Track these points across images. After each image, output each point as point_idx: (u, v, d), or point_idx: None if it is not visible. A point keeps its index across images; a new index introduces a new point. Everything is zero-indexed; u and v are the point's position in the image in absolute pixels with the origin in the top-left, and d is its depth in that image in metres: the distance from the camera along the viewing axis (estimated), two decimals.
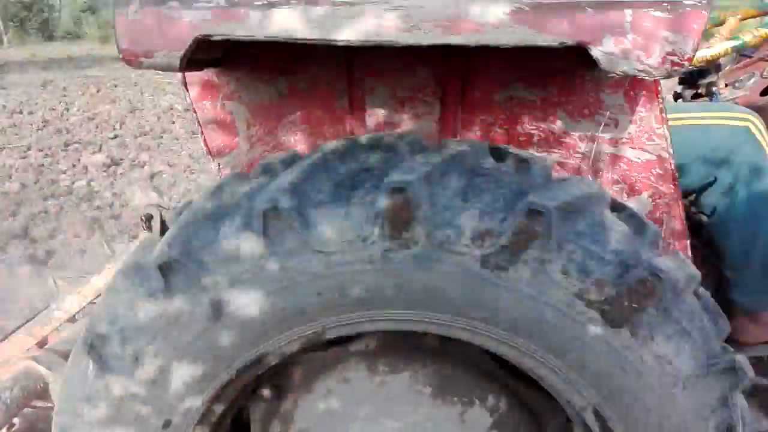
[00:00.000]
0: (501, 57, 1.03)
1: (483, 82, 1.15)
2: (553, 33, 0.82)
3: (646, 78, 0.93)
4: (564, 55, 0.92)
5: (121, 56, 0.92)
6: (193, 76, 1.17)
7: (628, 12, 0.82)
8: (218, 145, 1.22)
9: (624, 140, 1.18)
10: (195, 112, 1.20)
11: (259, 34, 0.88)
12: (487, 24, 0.82)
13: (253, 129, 1.21)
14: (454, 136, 1.19)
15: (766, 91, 1.82)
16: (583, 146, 1.15)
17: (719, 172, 1.52)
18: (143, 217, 1.17)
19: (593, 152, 1.12)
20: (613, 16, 0.82)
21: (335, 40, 0.86)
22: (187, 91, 1.18)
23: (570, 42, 0.83)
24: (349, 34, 0.85)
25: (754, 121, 1.61)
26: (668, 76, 0.91)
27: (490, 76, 1.14)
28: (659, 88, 1.15)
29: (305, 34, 0.86)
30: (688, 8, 0.82)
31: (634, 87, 1.16)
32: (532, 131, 1.18)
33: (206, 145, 1.22)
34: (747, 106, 1.67)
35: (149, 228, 1.10)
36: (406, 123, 1.20)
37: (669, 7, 0.82)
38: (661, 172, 1.19)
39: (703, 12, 0.82)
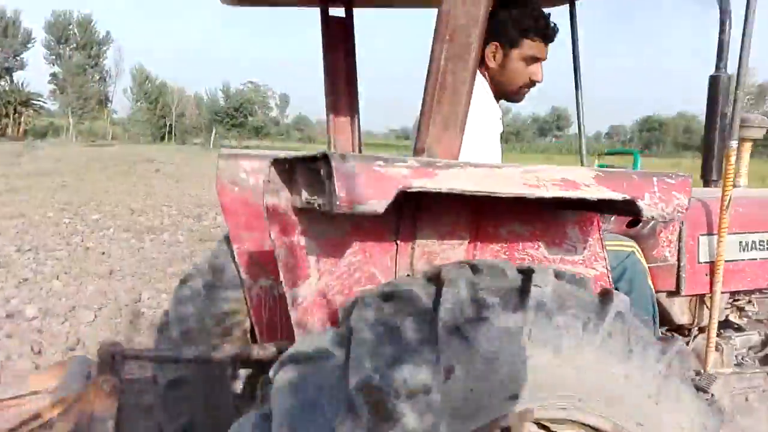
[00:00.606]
0: (509, 203, 1.25)
1: (495, 221, 1.52)
2: (618, 191, 1.27)
3: (662, 221, 1.58)
4: (553, 204, 1.30)
5: (337, 203, 1.08)
6: (273, 215, 1.35)
7: (654, 180, 1.31)
8: (293, 276, 1.38)
9: (580, 261, 1.58)
10: (274, 246, 1.36)
11: (445, 188, 1.14)
12: (583, 185, 1.24)
13: (321, 262, 1.41)
14: (473, 257, 1.50)
15: (631, 223, 2.23)
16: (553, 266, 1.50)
17: (618, 285, 1.90)
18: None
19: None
20: (647, 183, 1.30)
21: (495, 193, 1.17)
22: (270, 226, 1.36)
23: (627, 197, 1.26)
24: (502, 188, 1.18)
25: (634, 246, 2.10)
26: (672, 220, 1.47)
27: (500, 217, 1.52)
28: (600, 224, 1.60)
29: (475, 188, 1.16)
30: (683, 178, 1.33)
31: (585, 223, 1.57)
32: (523, 256, 1.58)
33: (283, 277, 1.36)
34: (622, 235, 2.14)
35: None
36: (444, 252, 1.49)
37: (674, 177, 1.34)
38: (602, 284, 1.55)
39: (690, 180, 1.31)
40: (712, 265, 2.20)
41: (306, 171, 1.30)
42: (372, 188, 1.11)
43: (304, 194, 1.30)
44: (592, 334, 1.20)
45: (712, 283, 2.15)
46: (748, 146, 2.36)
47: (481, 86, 2.04)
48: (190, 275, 2.45)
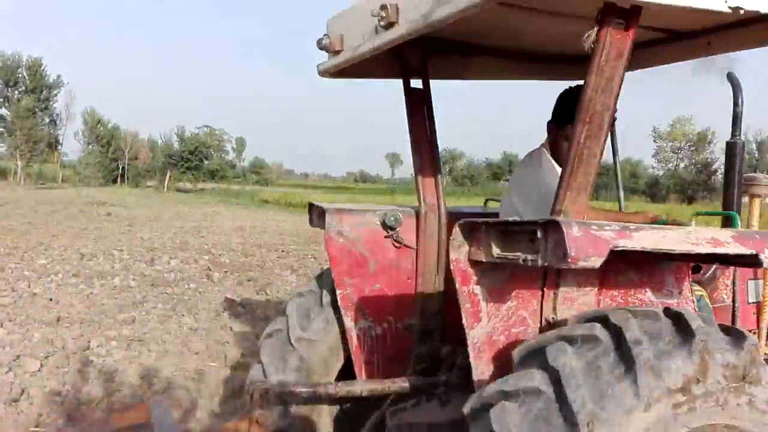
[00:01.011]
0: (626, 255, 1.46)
1: (616, 271, 1.85)
2: (748, 247, 1.54)
3: (763, 267, 1.76)
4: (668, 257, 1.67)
5: (569, 259, 1.35)
6: (456, 268, 1.67)
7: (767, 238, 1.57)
8: (471, 321, 1.68)
9: (675, 303, 1.92)
10: (458, 294, 1.66)
11: (640, 246, 1.42)
12: (725, 242, 1.52)
13: (488, 306, 1.70)
14: (599, 302, 1.88)
15: (695, 269, 2.45)
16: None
17: None
18: None
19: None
20: (765, 240, 1.56)
21: (674, 250, 1.46)
22: (455, 276, 1.66)
23: (754, 252, 1.52)
24: (678, 247, 1.47)
25: (703, 291, 2.51)
26: None
27: (620, 268, 1.86)
28: (689, 272, 1.96)
29: (663, 247, 1.45)
30: None
31: (679, 272, 1.95)
32: (635, 300, 1.93)
33: (465, 320, 1.70)
34: None
35: None
36: (579, 298, 1.82)
37: None
38: None
39: None
40: (759, 305, 2.68)
41: (497, 231, 1.58)
42: (592, 248, 1.37)
43: (495, 250, 1.57)
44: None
45: (758, 321, 2.63)
46: (757, 202, 2.59)
47: (557, 166, 2.58)
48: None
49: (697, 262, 2.21)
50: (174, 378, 4.63)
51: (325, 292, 2.71)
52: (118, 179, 56.75)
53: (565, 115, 2.54)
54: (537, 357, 1.55)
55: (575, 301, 1.82)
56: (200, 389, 4.48)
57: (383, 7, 1.90)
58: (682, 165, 57.99)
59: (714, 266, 2.63)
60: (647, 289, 1.94)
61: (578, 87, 2.51)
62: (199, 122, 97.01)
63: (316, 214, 2.68)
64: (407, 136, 2.61)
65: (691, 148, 56.91)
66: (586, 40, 1.64)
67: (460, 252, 1.68)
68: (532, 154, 2.80)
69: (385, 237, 2.62)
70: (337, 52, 2.33)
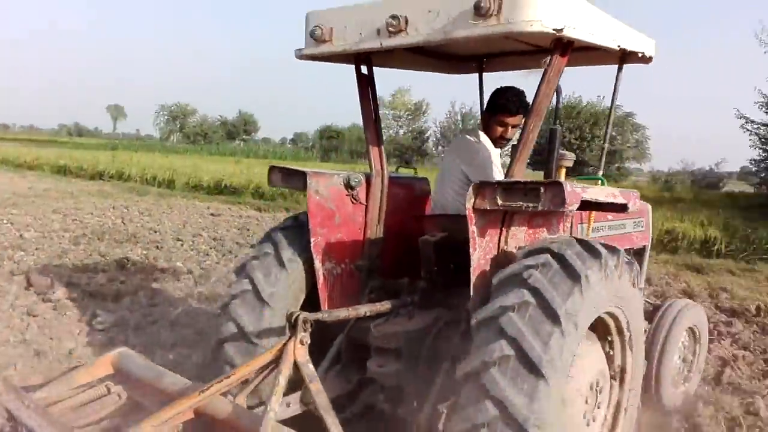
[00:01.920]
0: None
1: (531, 217, 2.85)
2: (625, 199, 2.67)
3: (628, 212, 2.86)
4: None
5: (566, 205, 2.26)
6: (476, 213, 2.58)
7: (632, 193, 2.71)
8: (473, 246, 2.65)
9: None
10: (474, 232, 2.70)
11: (594, 198, 2.28)
12: (619, 196, 2.72)
13: (479, 238, 2.73)
14: (529, 237, 2.90)
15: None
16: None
17: None
18: None
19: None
20: (633, 195, 2.74)
21: (609, 203, 2.67)
22: (474, 220, 2.62)
23: (626, 202, 2.72)
24: (610, 200, 2.67)
25: None
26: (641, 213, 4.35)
27: (533, 216, 2.85)
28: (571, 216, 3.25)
29: (605, 200, 2.45)
30: (637, 192, 2.83)
31: (561, 217, 2.99)
32: (540, 236, 2.91)
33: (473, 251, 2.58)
34: None
35: None
36: (519, 234, 2.85)
37: (636, 192, 2.84)
38: None
39: (638, 193, 2.91)
40: None
41: (502, 187, 2.57)
42: (575, 199, 2.45)
43: (499, 200, 2.56)
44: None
45: None
46: (563, 170, 3.74)
47: (488, 142, 3.87)
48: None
49: (597, 210, 3.58)
50: None
51: (280, 250, 3.36)
52: None
53: (496, 106, 3.78)
54: (516, 280, 2.49)
55: (515, 237, 2.86)
56: None
57: (395, 17, 2.72)
58: (401, 132, 63.33)
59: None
60: (545, 229, 3.03)
61: (507, 87, 3.81)
62: None
63: (280, 176, 3.40)
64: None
65: (409, 117, 63.27)
66: (544, 62, 2.75)
67: (470, 202, 2.61)
68: (470, 132, 3.97)
69: (346, 195, 3.47)
70: (324, 42, 3.05)
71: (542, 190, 2.46)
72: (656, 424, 4.12)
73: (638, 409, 3.30)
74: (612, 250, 2.74)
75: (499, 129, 3.86)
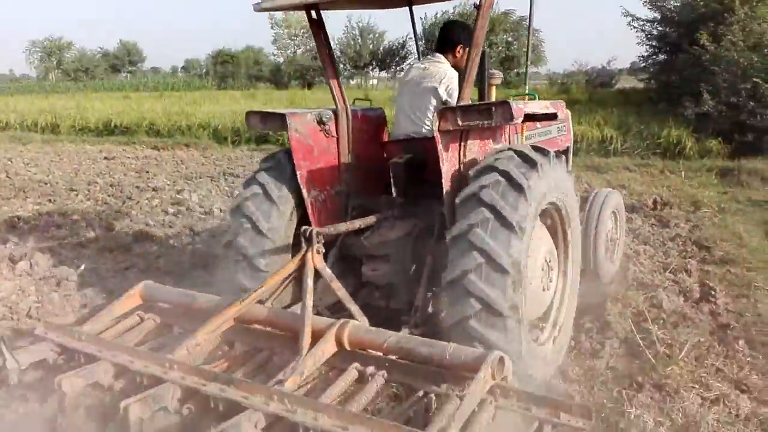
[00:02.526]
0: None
1: (482, 132, 3.57)
2: (555, 109, 3.80)
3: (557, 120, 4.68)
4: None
5: (513, 119, 3.17)
6: (436, 135, 3.40)
7: (560, 103, 4.85)
8: (443, 160, 3.38)
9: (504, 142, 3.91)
10: (441, 145, 3.41)
11: (534, 111, 3.56)
12: (551, 108, 3.80)
13: (445, 152, 3.43)
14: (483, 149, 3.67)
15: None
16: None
17: None
18: None
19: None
20: (560, 105, 4.84)
21: (544, 113, 3.75)
22: (441, 138, 3.40)
23: (555, 111, 3.75)
24: (544, 111, 3.73)
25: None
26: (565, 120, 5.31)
27: (484, 130, 3.56)
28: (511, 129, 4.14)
29: (540, 111, 3.66)
30: (563, 103, 5.02)
31: (506, 129, 3.99)
32: (489, 146, 3.67)
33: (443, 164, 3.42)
34: None
35: None
36: (473, 146, 3.59)
37: (561, 102, 4.94)
38: None
39: (563, 102, 5.16)
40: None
41: (460, 110, 3.27)
42: (519, 114, 3.22)
43: (459, 121, 3.26)
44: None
45: None
46: (494, 88, 4.38)
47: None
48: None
49: (534, 121, 4.22)
50: None
51: (269, 190, 3.93)
52: None
53: (449, 40, 4.43)
54: (474, 198, 3.21)
55: (471, 150, 3.60)
56: None
57: None
58: (299, 52, 60.36)
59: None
60: (491, 140, 3.78)
61: (454, 21, 5.14)
62: None
63: (258, 119, 3.95)
64: None
65: (306, 35, 58.89)
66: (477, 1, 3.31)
67: (435, 125, 3.33)
68: (434, 56, 4.41)
69: (319, 131, 4.09)
70: None
71: (494, 109, 3.18)
72: (593, 293, 4.84)
73: (579, 280, 4.21)
74: (543, 152, 3.51)
75: (453, 59, 4.45)
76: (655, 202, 8.70)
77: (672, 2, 18.97)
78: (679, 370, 3.88)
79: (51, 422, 2.82)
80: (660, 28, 19.64)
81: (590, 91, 25.61)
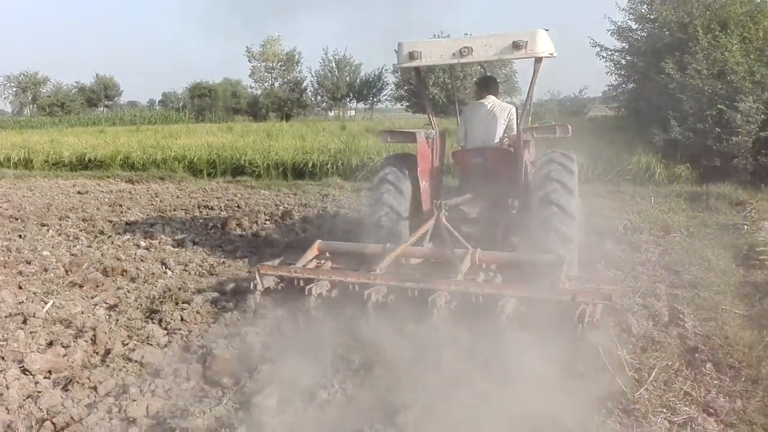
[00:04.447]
0: None
1: None
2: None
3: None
4: None
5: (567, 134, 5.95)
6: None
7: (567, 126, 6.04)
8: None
9: None
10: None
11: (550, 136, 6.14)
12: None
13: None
14: None
15: None
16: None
17: None
18: None
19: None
20: (565, 128, 6.00)
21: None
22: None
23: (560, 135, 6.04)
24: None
25: None
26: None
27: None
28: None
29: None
30: (566, 126, 6.02)
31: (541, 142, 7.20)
32: (535, 154, 6.75)
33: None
34: None
35: None
36: None
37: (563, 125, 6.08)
38: None
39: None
40: None
41: (537, 129, 6.32)
42: (569, 130, 5.93)
43: (536, 134, 6.24)
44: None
45: None
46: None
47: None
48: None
49: None
50: None
51: (401, 184, 6.22)
52: None
53: (493, 87, 6.92)
54: (548, 177, 5.61)
55: (530, 153, 6.68)
56: None
57: (466, 47, 5.59)
58: (276, 84, 62.39)
59: None
60: (535, 150, 6.78)
61: (491, 77, 7.22)
62: None
63: (389, 135, 6.72)
64: None
65: (282, 68, 62.26)
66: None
67: (521, 138, 6.01)
68: (490, 98, 6.74)
69: (426, 143, 6.42)
70: (414, 59, 5.86)
71: (557, 128, 6.01)
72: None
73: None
74: (571, 155, 5.88)
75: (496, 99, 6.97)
76: (625, 227, 8.84)
77: (639, 32, 19.47)
78: (647, 394, 3.92)
79: (294, 318, 5.03)
80: (628, 58, 20.10)
81: (563, 119, 26.05)
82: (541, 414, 3.56)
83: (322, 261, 5.88)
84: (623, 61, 20.34)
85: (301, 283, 5.28)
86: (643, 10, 18.91)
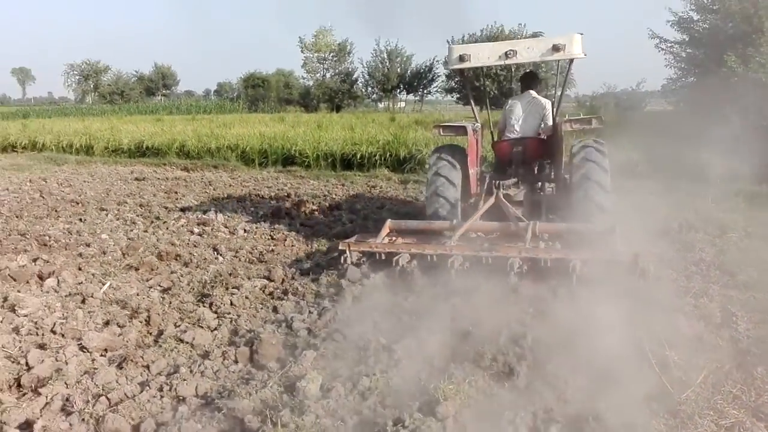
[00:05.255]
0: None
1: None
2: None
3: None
4: None
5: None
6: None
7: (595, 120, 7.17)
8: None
9: None
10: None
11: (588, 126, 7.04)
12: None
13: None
14: None
15: None
16: None
17: None
18: None
19: None
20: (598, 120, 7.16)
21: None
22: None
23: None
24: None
25: None
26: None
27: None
28: None
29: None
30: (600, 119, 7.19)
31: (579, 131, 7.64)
32: (572, 141, 7.60)
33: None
34: None
35: None
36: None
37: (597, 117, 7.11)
38: None
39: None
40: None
41: (573, 120, 7.00)
42: (602, 121, 7.04)
43: (573, 125, 6.93)
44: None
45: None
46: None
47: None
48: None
49: None
50: None
51: (452, 176, 6.97)
52: None
53: (535, 81, 8.08)
54: (585, 159, 6.62)
55: (568, 141, 7.54)
56: None
57: (511, 50, 6.39)
58: (328, 75, 62.33)
59: None
60: (569, 139, 7.85)
61: (533, 72, 8.36)
62: None
63: (440, 129, 7.36)
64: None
65: (334, 59, 62.23)
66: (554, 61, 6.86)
67: (562, 128, 6.96)
68: (532, 93, 7.76)
69: (473, 134, 7.46)
70: (464, 61, 6.60)
71: (592, 119, 6.91)
72: None
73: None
74: (602, 141, 6.95)
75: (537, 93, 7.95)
76: (680, 225, 8.60)
77: (700, 24, 18.84)
78: (694, 396, 3.84)
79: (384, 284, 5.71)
80: (689, 50, 19.49)
81: (619, 113, 25.52)
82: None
83: (393, 238, 6.71)
84: (683, 54, 19.76)
85: (383, 257, 6.03)
86: (705, 1, 18.30)
